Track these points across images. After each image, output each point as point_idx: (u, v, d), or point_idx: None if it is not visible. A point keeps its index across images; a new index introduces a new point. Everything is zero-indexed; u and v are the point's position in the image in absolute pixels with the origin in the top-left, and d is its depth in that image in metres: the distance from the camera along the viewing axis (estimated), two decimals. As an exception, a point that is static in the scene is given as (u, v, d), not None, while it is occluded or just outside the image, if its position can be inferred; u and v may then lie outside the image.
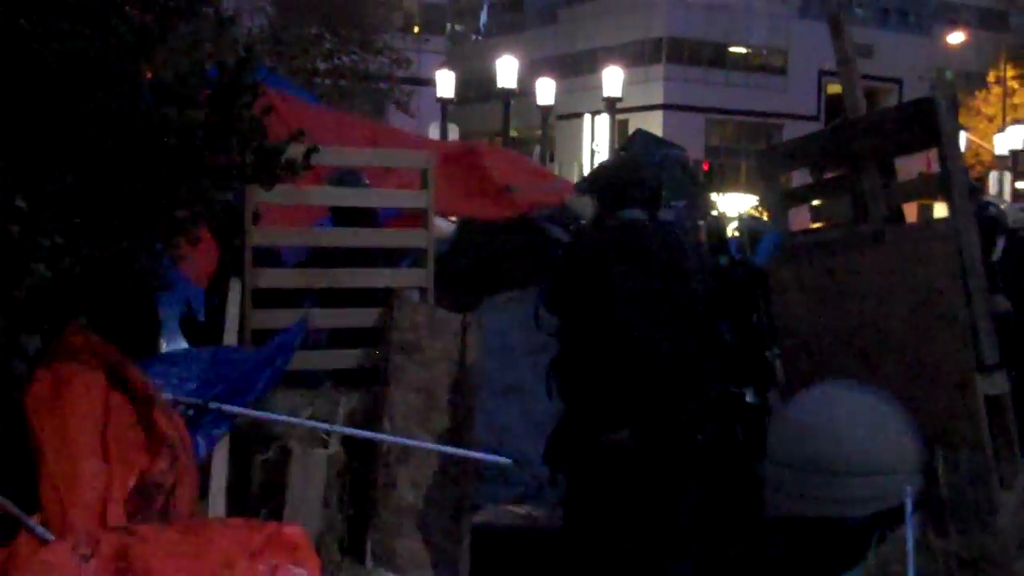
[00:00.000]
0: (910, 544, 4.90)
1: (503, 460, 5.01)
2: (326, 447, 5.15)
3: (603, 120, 28.82)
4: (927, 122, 6.13)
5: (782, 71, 51.40)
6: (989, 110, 43.17)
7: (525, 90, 29.34)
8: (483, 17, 59.91)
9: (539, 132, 30.08)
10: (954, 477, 5.85)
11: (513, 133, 30.77)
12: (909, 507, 5.02)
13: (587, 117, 33.27)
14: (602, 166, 5.35)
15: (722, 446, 4.98)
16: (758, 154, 8.16)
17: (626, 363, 4.65)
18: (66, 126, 3.70)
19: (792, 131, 35.19)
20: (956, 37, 45.53)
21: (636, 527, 5.01)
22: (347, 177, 6.48)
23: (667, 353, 4.68)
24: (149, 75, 4.03)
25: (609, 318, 4.69)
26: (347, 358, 5.92)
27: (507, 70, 25.00)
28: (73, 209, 3.73)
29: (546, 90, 27.22)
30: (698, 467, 4.94)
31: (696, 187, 12.83)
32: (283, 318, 5.63)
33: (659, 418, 4.72)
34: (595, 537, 4.93)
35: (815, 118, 46.71)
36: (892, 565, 5.19)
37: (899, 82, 48.16)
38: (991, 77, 43.87)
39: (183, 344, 6.13)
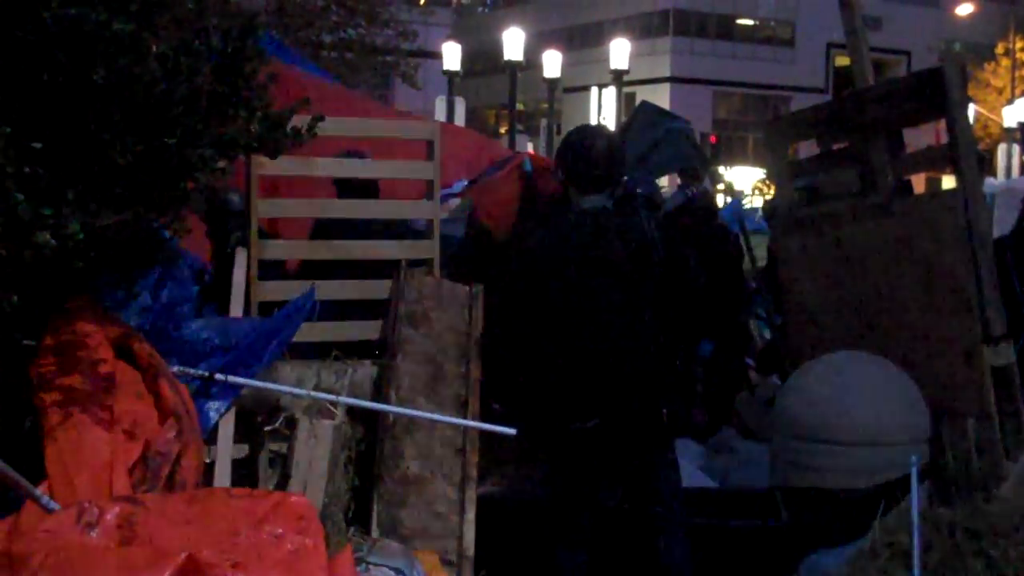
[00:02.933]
0: (916, 514, 4.90)
1: (508, 430, 5.00)
2: (332, 418, 5.15)
3: (610, 93, 28.70)
4: (935, 92, 6.11)
5: (790, 43, 51.18)
6: (998, 82, 43.01)
7: (532, 62, 29.24)
8: (489, -12, 59.71)
9: (546, 105, 29.95)
10: (960, 447, 5.87)
11: (520, 106, 30.63)
12: (915, 477, 5.02)
13: (594, 90, 33.17)
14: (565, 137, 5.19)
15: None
16: (765, 125, 8.15)
17: (589, 360, 4.70)
18: (69, 95, 3.68)
19: (799, 103, 35.03)
20: (965, 9, 45.27)
21: (620, 503, 5.10)
22: (353, 153, 6.51)
23: (628, 350, 4.71)
24: (153, 44, 4.01)
25: (568, 319, 4.72)
26: (354, 329, 5.92)
27: (513, 42, 24.82)
28: (76, 178, 3.71)
29: (553, 63, 27.07)
30: (667, 441, 4.97)
31: (703, 160, 12.81)
32: (289, 289, 5.63)
33: (625, 407, 4.77)
34: (580, 513, 5.01)
35: (823, 90, 46.53)
36: (898, 535, 5.19)
37: (907, 54, 47.97)
38: (1000, 49, 43.65)
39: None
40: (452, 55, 24.84)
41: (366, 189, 6.62)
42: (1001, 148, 35.09)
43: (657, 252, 4.87)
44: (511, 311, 5.06)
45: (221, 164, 4.21)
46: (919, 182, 12.46)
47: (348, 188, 6.56)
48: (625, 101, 27.40)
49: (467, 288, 5.81)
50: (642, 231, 4.88)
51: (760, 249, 10.39)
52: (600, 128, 5.50)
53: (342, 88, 10.67)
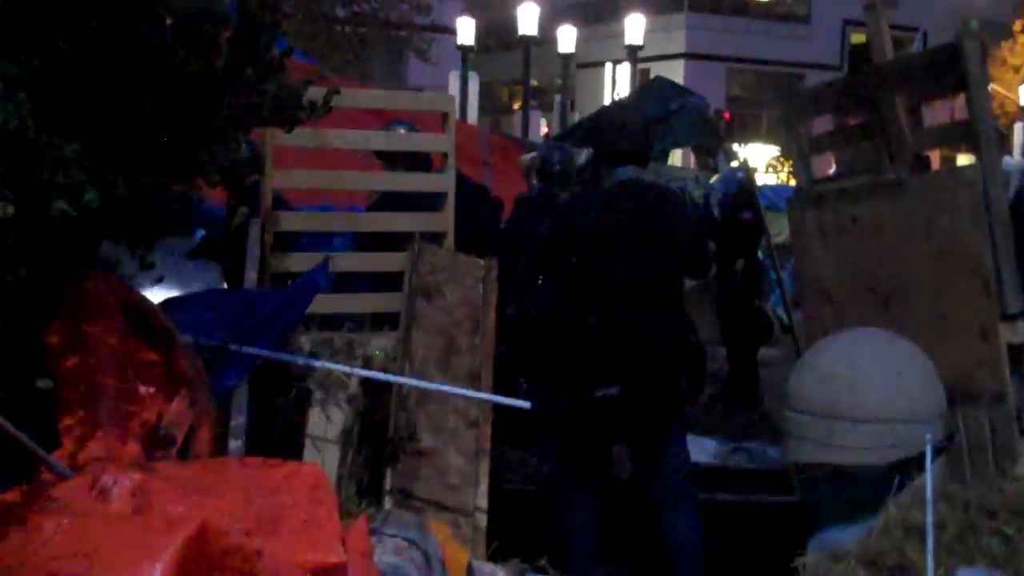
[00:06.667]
0: (930, 492, 4.88)
1: (522, 404, 5.00)
2: (346, 389, 5.15)
3: (624, 69, 28.55)
4: (955, 68, 6.05)
5: (805, 20, 50.84)
6: (1015, 60, 42.69)
7: (546, 38, 29.10)
8: (504, -37, 59.40)
9: (560, 81, 29.82)
10: (975, 425, 5.84)
11: (534, 82, 30.50)
12: (929, 455, 5.00)
13: (608, 66, 32.98)
14: (592, 119, 5.27)
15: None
16: (781, 99, 8.10)
17: (620, 326, 4.70)
18: (85, 65, 3.67)
19: (814, 81, 34.75)
20: (982, -14, 44.95)
21: (633, 474, 5.12)
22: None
23: (657, 322, 4.71)
24: (168, 15, 3.99)
25: (604, 285, 4.71)
26: (368, 302, 5.92)
27: (528, 17, 24.68)
28: (93, 147, 3.70)
29: (567, 38, 26.91)
30: (680, 414, 5.00)
31: (717, 137, 12.78)
32: (303, 261, 5.64)
33: (648, 375, 4.78)
34: (594, 482, 5.02)
35: (838, 68, 46.23)
36: (911, 513, 5.18)
37: (924, 31, 47.65)
38: (1017, 27, 43.33)
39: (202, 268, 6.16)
40: (466, 30, 24.69)
41: (418, 163, 6.70)
42: (1018, 126, 34.82)
43: (692, 221, 4.91)
44: (539, 274, 5.08)
45: (237, 135, 4.20)
46: (933, 160, 12.42)
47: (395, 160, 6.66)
48: (640, 77, 27.27)
49: (481, 261, 5.81)
50: (680, 200, 4.91)
51: (773, 227, 10.37)
52: (629, 104, 5.57)
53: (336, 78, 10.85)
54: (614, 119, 5.08)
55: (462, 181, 7.89)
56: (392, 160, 6.73)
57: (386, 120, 6.85)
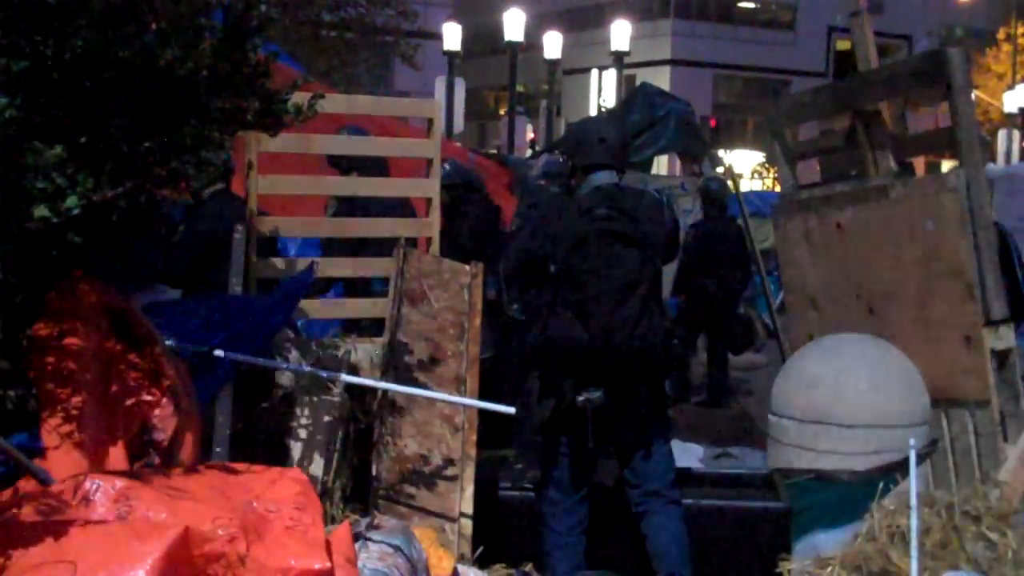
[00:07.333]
0: (914, 497, 4.90)
1: (507, 409, 4.99)
2: (331, 395, 5.14)
3: (610, 75, 28.59)
4: (939, 75, 6.07)
5: (790, 27, 51.00)
6: (999, 68, 42.89)
7: (532, 44, 29.13)
8: (490, -31, 59.41)
9: (546, 87, 29.84)
10: (959, 430, 5.86)
11: (520, 88, 30.51)
12: (913, 460, 5.02)
13: (594, 72, 33.07)
14: (569, 127, 5.38)
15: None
16: (767, 106, 8.12)
17: (601, 330, 4.71)
18: (68, 70, 3.66)
19: (800, 87, 34.84)
20: (967, -7, 45.17)
21: (618, 479, 5.13)
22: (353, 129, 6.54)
23: (633, 325, 4.73)
24: (152, 20, 3.97)
25: (585, 290, 4.73)
26: (353, 307, 5.91)
27: (514, 23, 24.70)
28: (74, 152, 3.69)
29: (553, 44, 26.93)
30: (665, 418, 5.03)
31: (703, 143, 12.80)
32: (288, 267, 5.63)
33: (630, 377, 4.80)
34: (579, 487, 5.03)
35: (823, 74, 46.40)
36: (896, 518, 5.19)
37: (908, 38, 47.85)
38: (1001, 34, 43.53)
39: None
40: (452, 36, 24.70)
41: (374, 167, 6.65)
42: (1001, 133, 34.99)
43: (666, 225, 4.93)
44: (522, 280, 5.10)
45: (222, 139, 4.19)
46: (918, 167, 12.46)
47: (349, 165, 6.60)
48: (625, 83, 27.31)
49: (466, 267, 5.80)
50: (656, 202, 4.93)
51: (759, 233, 10.39)
52: (613, 115, 5.59)
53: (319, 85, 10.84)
54: (595, 130, 5.09)
55: (469, 185, 7.89)
56: (344, 166, 6.70)
57: (366, 125, 6.85)
